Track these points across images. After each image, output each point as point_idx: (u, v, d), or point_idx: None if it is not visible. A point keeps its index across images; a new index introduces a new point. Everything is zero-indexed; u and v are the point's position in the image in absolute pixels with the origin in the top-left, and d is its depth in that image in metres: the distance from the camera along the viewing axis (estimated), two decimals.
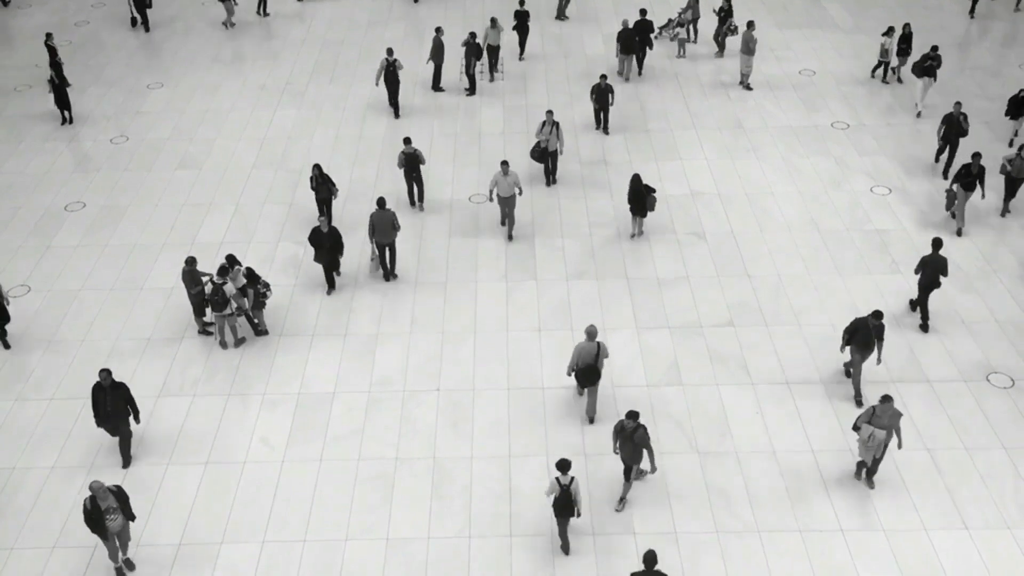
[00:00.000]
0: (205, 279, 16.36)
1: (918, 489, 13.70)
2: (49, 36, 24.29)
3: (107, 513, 11.94)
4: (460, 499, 13.68)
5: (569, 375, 14.62)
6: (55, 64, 23.70)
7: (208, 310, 16.83)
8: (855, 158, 21.45)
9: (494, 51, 24.57)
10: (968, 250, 18.47)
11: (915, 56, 25.66)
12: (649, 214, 19.59)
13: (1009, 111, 21.50)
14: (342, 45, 27.20)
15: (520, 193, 18.61)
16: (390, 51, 22.64)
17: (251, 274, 16.29)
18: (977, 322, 16.73)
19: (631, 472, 13.20)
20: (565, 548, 12.89)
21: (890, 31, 23.81)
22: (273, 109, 23.87)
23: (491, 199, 18.68)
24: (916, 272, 16.27)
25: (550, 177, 20.48)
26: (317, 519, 13.42)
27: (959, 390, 15.37)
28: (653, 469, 13.01)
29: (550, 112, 19.82)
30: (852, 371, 15.07)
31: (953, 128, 20.00)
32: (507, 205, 18.50)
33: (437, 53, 23.91)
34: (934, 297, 17.30)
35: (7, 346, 16.46)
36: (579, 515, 12.55)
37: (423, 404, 15.27)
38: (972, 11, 28.36)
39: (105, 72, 25.79)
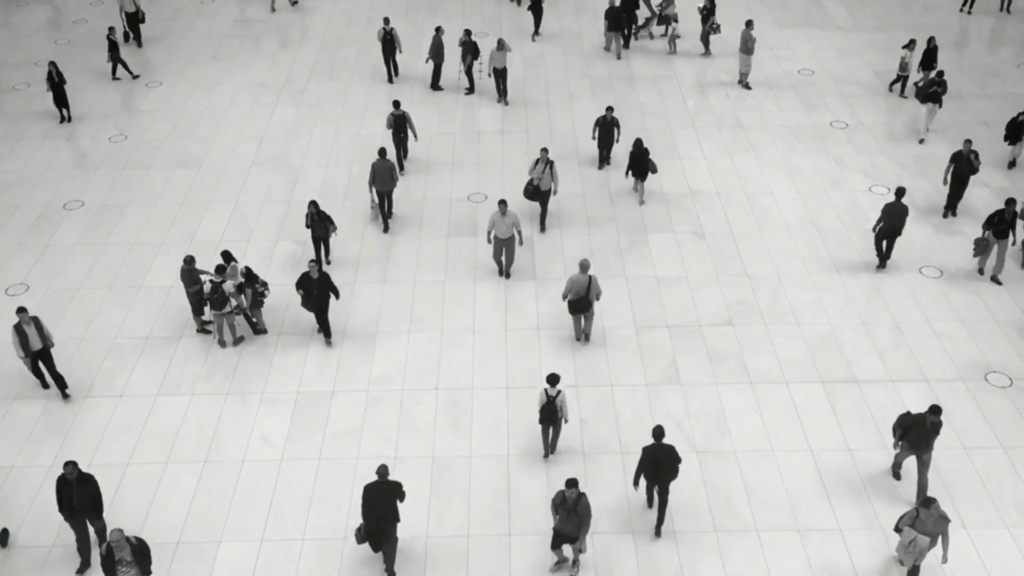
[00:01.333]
0: (204, 278, 16.35)
1: (916, 488, 13.70)
2: (111, 30, 24.69)
3: (119, 564, 11.36)
4: (459, 498, 13.69)
5: (564, 300, 16.06)
6: (115, 58, 24.68)
7: (207, 308, 16.83)
8: (854, 157, 21.45)
9: (501, 74, 23.28)
10: (967, 249, 18.48)
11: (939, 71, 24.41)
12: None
13: (1008, 136, 20.52)
14: (341, 43, 27.18)
15: (520, 242, 17.33)
16: (387, 20, 24.14)
17: (249, 273, 16.28)
18: (975, 321, 16.74)
19: (578, 543, 12.08)
20: (546, 454, 14.23)
21: (911, 44, 22.95)
22: (272, 107, 23.86)
23: (489, 240, 17.26)
24: (879, 221, 17.46)
25: (543, 223, 19.01)
26: (316, 517, 13.43)
27: (957, 389, 15.39)
28: (582, 549, 12.07)
29: (544, 150, 18.45)
30: (919, 471, 13.17)
31: (962, 167, 18.56)
32: (505, 246, 17.37)
33: (437, 52, 23.94)
34: (933, 294, 17.32)
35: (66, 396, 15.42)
36: (567, 421, 14.01)
37: (422, 403, 15.28)
38: (969, 8, 28.34)
39: (104, 70, 25.76)
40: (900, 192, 17.23)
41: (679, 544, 12.98)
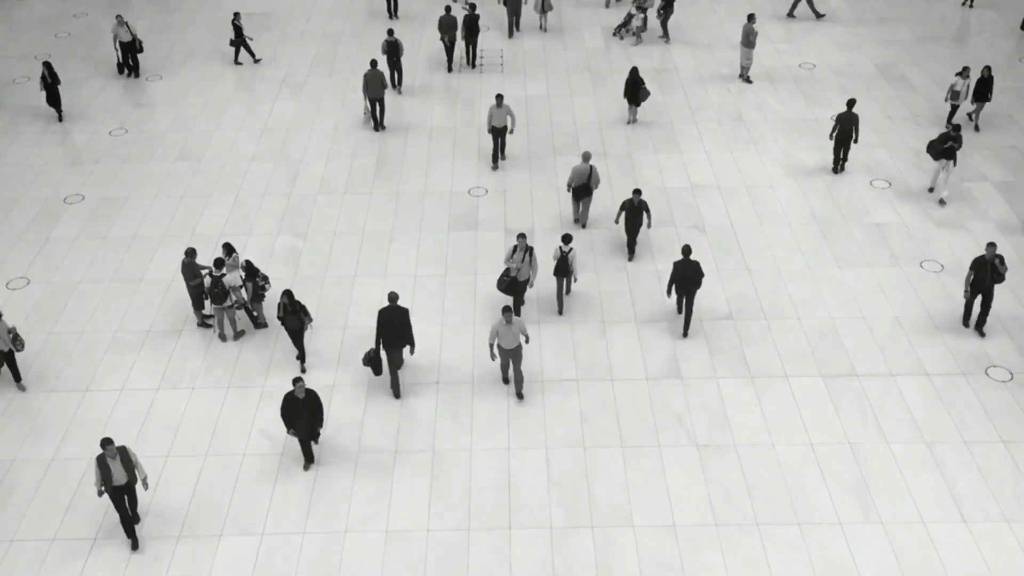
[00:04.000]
0: (204, 271, 16.35)
1: (916, 482, 13.72)
2: (236, 16, 24.93)
3: None
4: (459, 491, 13.70)
5: (568, 191, 18.56)
6: (239, 42, 24.95)
7: (207, 303, 16.83)
8: (854, 151, 21.42)
9: (500, 133, 20.63)
10: (967, 244, 18.46)
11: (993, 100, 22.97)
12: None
13: None
14: (341, 37, 27.14)
15: (527, 342, 15.05)
16: None
17: (250, 267, 16.27)
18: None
19: None
20: (560, 309, 16.62)
21: (965, 72, 21.12)
22: (272, 101, 23.83)
23: (492, 355, 14.76)
24: (833, 129, 19.97)
25: (516, 309, 16.59)
26: (316, 511, 13.44)
27: (958, 383, 15.39)
28: None
29: (522, 236, 15.99)
30: None
31: (986, 274, 15.80)
32: (512, 357, 14.89)
33: (449, 29, 24.48)
34: (934, 288, 17.31)
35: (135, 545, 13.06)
36: (576, 280, 16.80)
37: (422, 396, 15.28)
38: (971, 2, 28.30)
39: (104, 64, 25.73)
40: (851, 103, 19.82)
41: (679, 537, 12.99)
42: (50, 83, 22.44)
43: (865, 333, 16.40)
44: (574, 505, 13.47)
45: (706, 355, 16.00)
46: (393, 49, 23.34)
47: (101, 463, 12.44)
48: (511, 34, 26.90)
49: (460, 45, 26.32)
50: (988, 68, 21.35)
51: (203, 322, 16.69)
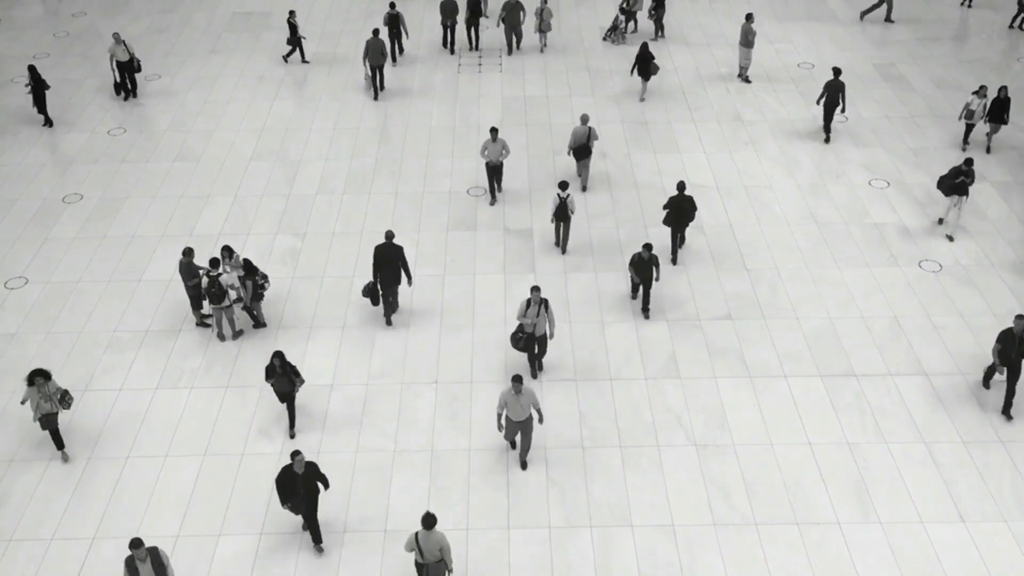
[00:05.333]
0: (202, 271, 16.34)
1: (915, 482, 13.74)
2: (292, 13, 25.02)
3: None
4: (458, 491, 13.70)
5: (569, 154, 19.67)
6: (295, 41, 25.07)
7: (205, 302, 16.83)
8: (853, 151, 21.44)
9: (495, 170, 19.45)
10: (966, 244, 18.48)
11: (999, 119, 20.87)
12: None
13: None
14: (340, 36, 27.14)
15: (540, 419, 13.70)
16: None
17: (249, 266, 16.27)
18: (975, 315, 16.75)
19: None
20: (563, 249, 18.09)
21: (982, 90, 20.45)
22: (271, 100, 23.83)
23: (500, 426, 13.62)
24: (821, 96, 21.20)
25: (536, 365, 15.56)
26: None
27: (956, 383, 15.40)
28: None
29: (536, 288, 14.76)
30: None
31: (1014, 348, 14.45)
32: (522, 429, 13.72)
33: (452, 13, 25.01)
34: (933, 288, 17.33)
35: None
36: (573, 212, 17.59)
37: (421, 396, 15.28)
38: (969, 2, 28.34)
39: (102, 64, 25.72)
40: (837, 71, 21.03)
41: (678, 537, 13.00)
42: (34, 87, 22.19)
43: (864, 333, 16.42)
44: (573, 505, 13.47)
45: (705, 355, 16.00)
46: (394, 21, 24.41)
47: (129, 566, 11.11)
48: (511, 51, 26.10)
49: (461, 32, 26.61)
50: (1004, 88, 20.23)
51: (201, 321, 16.68)
